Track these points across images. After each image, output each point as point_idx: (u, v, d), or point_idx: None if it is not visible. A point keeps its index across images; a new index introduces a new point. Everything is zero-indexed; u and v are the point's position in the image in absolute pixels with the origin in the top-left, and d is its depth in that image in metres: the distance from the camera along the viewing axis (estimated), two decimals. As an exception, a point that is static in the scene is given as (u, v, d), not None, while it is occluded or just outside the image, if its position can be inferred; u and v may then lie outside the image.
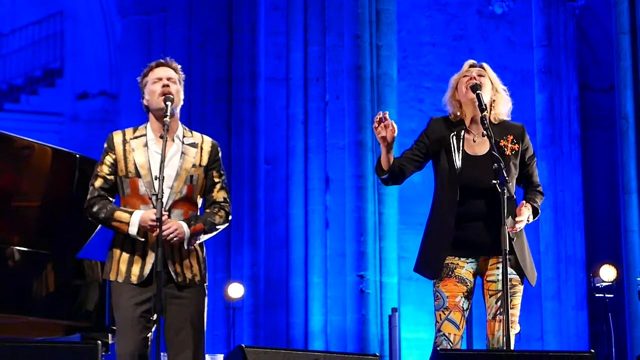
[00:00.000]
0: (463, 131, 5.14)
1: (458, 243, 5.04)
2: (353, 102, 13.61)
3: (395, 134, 5.01)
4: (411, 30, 14.81)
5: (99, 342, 4.95)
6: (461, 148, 5.10)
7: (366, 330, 13.11)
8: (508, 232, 4.89)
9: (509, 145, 5.13)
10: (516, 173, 5.15)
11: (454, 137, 5.12)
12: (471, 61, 5.25)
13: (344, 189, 13.46)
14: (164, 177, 4.65)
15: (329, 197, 13.55)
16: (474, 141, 5.13)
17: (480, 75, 5.14)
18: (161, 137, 4.72)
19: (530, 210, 5.10)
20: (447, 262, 5.05)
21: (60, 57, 17.88)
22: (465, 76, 5.16)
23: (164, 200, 4.71)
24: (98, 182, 4.82)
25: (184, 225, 4.72)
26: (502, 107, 5.22)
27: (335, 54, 13.75)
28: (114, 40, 16.95)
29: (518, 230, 5.03)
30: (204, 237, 4.81)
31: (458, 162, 5.07)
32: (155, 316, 4.62)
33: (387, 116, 5.02)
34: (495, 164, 4.91)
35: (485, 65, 5.22)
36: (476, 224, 5.03)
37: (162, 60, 4.92)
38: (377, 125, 5.00)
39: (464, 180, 5.05)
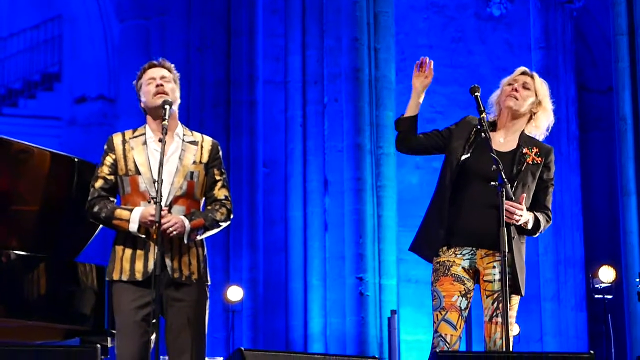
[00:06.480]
0: (489, 131, 5.08)
1: (455, 229, 4.99)
2: (351, 105, 13.61)
3: (429, 81, 5.21)
4: (409, 32, 14.82)
5: (98, 345, 4.94)
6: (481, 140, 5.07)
7: (365, 332, 13.11)
8: (509, 232, 4.85)
9: (532, 155, 5.10)
10: (533, 182, 5.09)
11: (476, 131, 5.09)
12: (523, 68, 5.24)
13: (342, 192, 13.46)
14: (162, 180, 4.65)
15: (327, 200, 13.54)
16: (500, 141, 5.12)
17: (526, 88, 5.13)
18: (160, 140, 4.72)
19: (532, 216, 5.00)
20: (443, 259, 5.00)
21: (59, 61, 17.89)
22: (510, 84, 5.16)
23: (165, 196, 4.71)
24: (98, 183, 4.82)
25: (185, 219, 4.70)
26: (542, 121, 5.22)
27: (334, 57, 13.76)
28: (112, 44, 16.95)
29: (515, 219, 4.89)
30: (205, 234, 4.79)
31: (470, 147, 5.05)
32: (154, 320, 4.61)
33: (427, 60, 5.17)
34: (494, 166, 4.88)
35: (535, 75, 5.21)
36: (475, 213, 4.97)
37: (154, 62, 4.92)
38: (417, 68, 5.16)
39: (470, 163, 5.01)
